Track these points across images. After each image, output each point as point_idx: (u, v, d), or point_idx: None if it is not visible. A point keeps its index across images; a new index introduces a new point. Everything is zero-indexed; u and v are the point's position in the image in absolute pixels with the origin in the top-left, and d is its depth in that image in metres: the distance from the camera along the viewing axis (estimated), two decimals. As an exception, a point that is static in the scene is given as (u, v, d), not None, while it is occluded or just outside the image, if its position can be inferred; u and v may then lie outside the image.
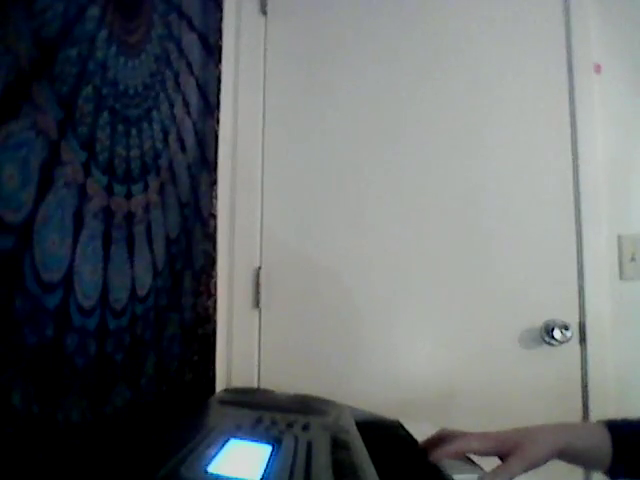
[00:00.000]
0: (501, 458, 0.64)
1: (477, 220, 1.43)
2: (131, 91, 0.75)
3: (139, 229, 0.78)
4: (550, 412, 1.32)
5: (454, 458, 0.66)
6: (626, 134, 1.46)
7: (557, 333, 1.34)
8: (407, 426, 0.85)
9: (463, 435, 0.66)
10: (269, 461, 0.49)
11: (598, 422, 0.67)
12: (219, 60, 1.31)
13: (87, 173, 0.61)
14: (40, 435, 0.51)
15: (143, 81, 0.80)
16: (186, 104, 1.02)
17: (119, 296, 0.70)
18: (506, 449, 0.63)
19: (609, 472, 0.65)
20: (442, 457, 0.64)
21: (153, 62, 0.84)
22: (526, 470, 0.62)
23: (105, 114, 0.66)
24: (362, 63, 1.49)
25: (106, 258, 0.67)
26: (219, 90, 1.31)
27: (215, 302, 1.25)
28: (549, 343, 1.36)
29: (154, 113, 0.84)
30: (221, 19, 1.32)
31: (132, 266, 0.75)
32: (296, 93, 1.49)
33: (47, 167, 0.52)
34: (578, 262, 1.41)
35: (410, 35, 1.50)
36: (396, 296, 1.41)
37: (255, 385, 1.37)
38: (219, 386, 1.27)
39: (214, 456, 0.47)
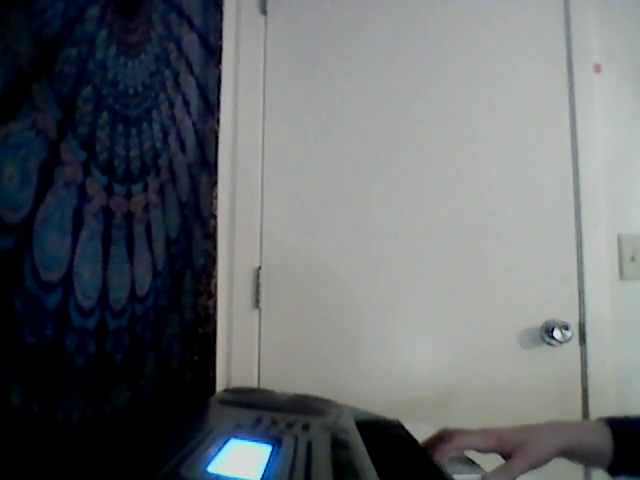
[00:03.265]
0: (502, 455, 0.64)
1: (477, 220, 1.43)
2: (131, 91, 0.75)
3: (139, 229, 0.78)
4: (550, 412, 1.31)
5: (456, 455, 0.66)
6: (626, 134, 1.46)
7: (557, 333, 1.34)
8: (407, 426, 0.85)
9: (464, 432, 0.66)
10: (269, 461, 0.49)
11: (599, 420, 0.68)
12: (219, 60, 1.31)
13: (87, 173, 0.61)
14: (40, 435, 0.51)
15: (143, 81, 0.80)
16: (186, 104, 1.02)
17: (119, 296, 0.70)
18: (508, 448, 0.63)
19: (610, 469, 0.65)
20: (444, 455, 0.64)
21: (153, 62, 0.84)
22: (528, 471, 0.62)
23: (105, 114, 0.66)
24: (362, 63, 1.49)
25: (106, 258, 0.67)
26: (219, 90, 1.31)
27: (215, 302, 1.25)
28: (549, 343, 1.36)
29: (154, 113, 0.84)
30: (221, 19, 1.32)
31: (132, 266, 0.75)
32: (296, 93, 1.49)
33: (47, 167, 0.52)
34: (578, 262, 1.41)
35: (410, 35, 1.50)
36: (396, 296, 1.41)
37: (255, 385, 1.37)
38: (219, 386, 1.27)
39: (214, 456, 0.47)
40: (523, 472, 0.61)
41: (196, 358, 1.09)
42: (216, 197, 1.26)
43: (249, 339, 1.39)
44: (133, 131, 0.76)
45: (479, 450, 0.65)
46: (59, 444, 0.54)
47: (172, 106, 0.93)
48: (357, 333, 1.40)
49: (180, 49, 0.98)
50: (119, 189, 0.71)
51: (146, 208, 0.81)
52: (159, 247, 0.87)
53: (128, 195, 0.74)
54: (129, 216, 0.74)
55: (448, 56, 1.49)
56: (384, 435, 0.78)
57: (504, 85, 1.47)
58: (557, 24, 1.49)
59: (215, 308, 1.25)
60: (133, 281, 0.75)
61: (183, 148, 1.00)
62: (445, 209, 1.43)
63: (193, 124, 1.07)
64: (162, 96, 0.88)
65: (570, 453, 0.65)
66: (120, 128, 0.71)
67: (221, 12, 1.32)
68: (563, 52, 1.47)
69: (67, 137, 0.57)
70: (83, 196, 0.60)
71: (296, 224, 1.44)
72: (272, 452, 0.51)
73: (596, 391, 1.35)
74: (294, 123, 1.48)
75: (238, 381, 1.35)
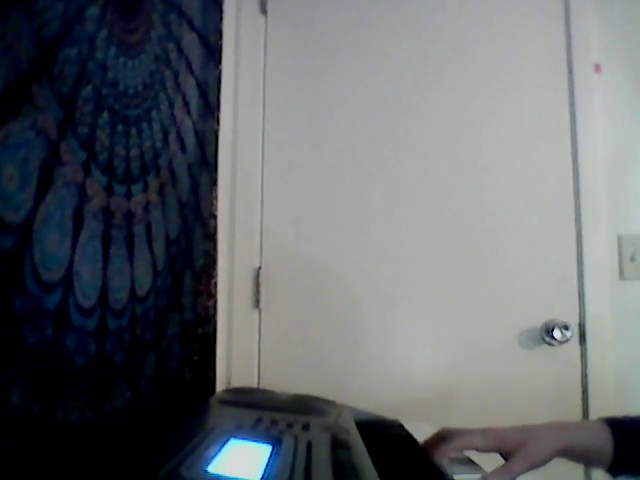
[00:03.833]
0: (502, 455, 0.64)
1: (477, 220, 1.43)
2: (131, 91, 0.75)
3: (139, 229, 0.78)
4: (550, 412, 1.31)
5: (456, 455, 0.66)
6: (626, 134, 1.46)
7: (557, 333, 1.34)
8: (407, 426, 0.85)
9: (464, 432, 0.66)
10: (269, 461, 0.49)
11: (599, 419, 0.68)
12: (219, 60, 1.31)
13: (87, 173, 0.61)
14: (40, 435, 0.51)
15: (143, 81, 0.80)
16: (186, 104, 1.02)
17: (119, 296, 0.70)
18: (508, 448, 0.63)
19: (610, 469, 0.65)
20: (444, 455, 0.64)
21: (153, 62, 0.84)
22: (528, 470, 0.62)
23: (105, 114, 0.66)
24: (362, 63, 1.49)
25: (106, 258, 0.67)
26: (219, 90, 1.31)
27: (215, 302, 1.24)
28: (549, 343, 1.36)
29: (154, 113, 0.84)
30: (221, 19, 1.32)
31: (132, 266, 0.75)
32: (296, 93, 1.49)
33: (47, 167, 0.52)
34: (578, 262, 1.41)
35: (410, 34, 1.50)
36: (396, 296, 1.41)
37: (255, 385, 1.37)
38: (219, 386, 1.27)
39: (214, 456, 0.47)
40: (523, 472, 0.61)
41: (196, 358, 1.09)
42: (216, 197, 1.26)
43: (249, 339, 1.39)
44: (133, 131, 0.76)
45: (479, 450, 0.65)
46: (59, 444, 0.54)
47: (172, 106, 0.93)
48: (357, 333, 1.40)
49: (180, 49, 0.98)
50: (119, 189, 0.71)
51: (146, 208, 0.81)
52: (159, 247, 0.87)
53: (128, 195, 0.74)
54: (129, 216, 0.74)
55: (448, 57, 1.49)
56: (384, 435, 0.78)
57: (504, 85, 1.47)
58: (557, 24, 1.48)
59: (215, 308, 1.25)
60: (133, 281, 0.75)
61: (183, 148, 1.00)
62: (445, 209, 1.43)
63: (193, 124, 1.07)
64: (162, 96, 0.88)
65: (570, 453, 0.65)
66: (120, 128, 0.71)
67: (221, 12, 1.32)
68: (563, 52, 1.47)
69: (67, 137, 0.57)
70: (83, 196, 0.60)
71: (296, 224, 1.44)
72: (272, 452, 0.51)
73: (596, 391, 1.35)
74: (294, 123, 1.48)
75: (238, 381, 1.35)
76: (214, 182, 1.25)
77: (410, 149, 1.46)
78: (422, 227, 1.43)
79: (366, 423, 0.80)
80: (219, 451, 0.49)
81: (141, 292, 0.78)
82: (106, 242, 0.67)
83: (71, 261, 0.57)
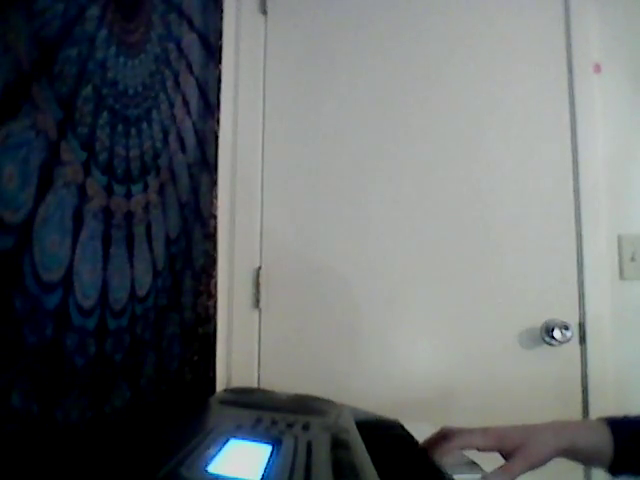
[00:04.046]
0: (503, 455, 0.64)
1: (477, 220, 1.43)
2: (131, 91, 0.75)
3: (139, 229, 0.78)
4: (550, 412, 1.31)
5: (456, 455, 0.66)
6: (626, 134, 1.45)
7: (557, 333, 1.34)
8: (407, 426, 0.85)
9: (464, 431, 0.66)
10: (269, 461, 0.49)
11: (599, 419, 0.68)
12: (219, 60, 1.31)
13: (87, 173, 0.61)
14: (40, 435, 0.51)
15: (143, 81, 0.80)
16: (186, 104, 1.02)
17: (119, 296, 0.70)
18: (509, 448, 0.63)
19: (610, 469, 0.65)
20: (444, 455, 0.64)
21: (153, 62, 0.84)
22: (528, 470, 0.62)
23: (105, 114, 0.66)
24: (362, 63, 1.49)
25: (106, 258, 0.67)
26: (219, 90, 1.31)
27: (215, 302, 1.25)
28: (549, 343, 1.36)
29: (154, 113, 0.84)
30: (221, 19, 1.32)
31: (132, 266, 0.75)
32: (296, 93, 1.49)
33: (47, 167, 0.52)
34: (578, 262, 1.41)
35: (410, 34, 1.50)
36: (396, 296, 1.41)
37: (255, 385, 1.37)
38: (219, 386, 1.27)
39: (214, 456, 0.47)
40: (523, 472, 0.61)
41: (196, 358, 1.09)
42: (216, 197, 1.26)
43: (249, 339, 1.39)
44: (133, 131, 0.76)
45: (479, 449, 0.65)
46: (59, 444, 0.54)
47: (172, 106, 0.93)
48: (357, 333, 1.40)
49: (180, 49, 0.98)
50: (119, 189, 0.71)
51: (146, 208, 0.81)
52: (159, 247, 0.87)
53: (128, 195, 0.74)
54: (129, 216, 0.74)
55: (448, 56, 1.49)
56: (384, 435, 0.78)
57: (504, 85, 1.47)
58: (557, 24, 1.48)
59: (215, 308, 1.25)
60: (133, 281, 0.75)
61: (183, 148, 1.00)
62: (445, 209, 1.43)
63: (193, 124, 1.07)
64: (162, 96, 0.88)
65: (570, 453, 0.65)
66: (120, 128, 0.71)
67: (221, 12, 1.32)
68: (563, 52, 1.47)
69: (67, 137, 0.57)
70: (83, 196, 0.60)
71: (296, 224, 1.44)
72: (272, 452, 0.51)
73: (596, 391, 1.35)
74: (294, 123, 1.48)
75: (238, 381, 1.35)
76: (214, 182, 1.25)
77: (410, 149, 1.46)
78: (422, 227, 1.43)
79: (366, 423, 0.80)
80: (219, 451, 0.49)
81: (141, 292, 0.78)
82: (106, 242, 0.67)
83: (71, 261, 0.57)
